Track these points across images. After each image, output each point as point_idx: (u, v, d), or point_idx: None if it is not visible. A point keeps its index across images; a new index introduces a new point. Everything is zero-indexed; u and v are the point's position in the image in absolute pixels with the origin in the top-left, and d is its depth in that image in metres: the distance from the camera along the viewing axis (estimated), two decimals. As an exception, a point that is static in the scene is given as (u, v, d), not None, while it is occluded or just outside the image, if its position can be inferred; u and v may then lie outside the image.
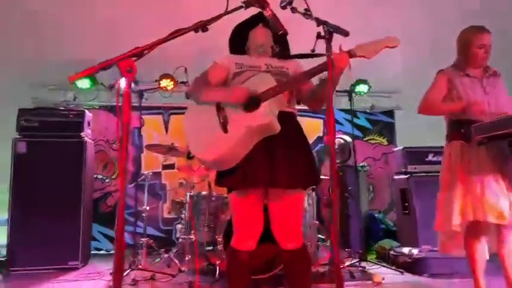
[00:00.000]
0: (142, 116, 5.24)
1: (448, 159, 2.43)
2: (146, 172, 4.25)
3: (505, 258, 2.32)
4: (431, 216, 4.01)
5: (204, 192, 3.92)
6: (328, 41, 1.37)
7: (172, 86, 4.77)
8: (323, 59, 1.78)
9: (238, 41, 2.21)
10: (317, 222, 3.81)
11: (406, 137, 5.92)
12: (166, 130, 5.53)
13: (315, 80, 2.02)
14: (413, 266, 3.60)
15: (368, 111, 6.05)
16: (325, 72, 1.82)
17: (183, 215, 4.05)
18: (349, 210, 4.68)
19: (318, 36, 1.39)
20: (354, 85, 5.14)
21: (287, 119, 1.93)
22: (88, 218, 4.27)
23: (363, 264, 3.79)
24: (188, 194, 3.89)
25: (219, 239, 3.51)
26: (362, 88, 5.40)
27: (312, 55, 1.69)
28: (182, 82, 4.03)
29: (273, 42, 2.12)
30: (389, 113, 6.10)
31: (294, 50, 2.20)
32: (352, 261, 3.77)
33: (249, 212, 1.96)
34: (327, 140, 5.51)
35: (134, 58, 1.16)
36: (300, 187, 1.94)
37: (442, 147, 4.36)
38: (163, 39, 1.18)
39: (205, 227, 3.76)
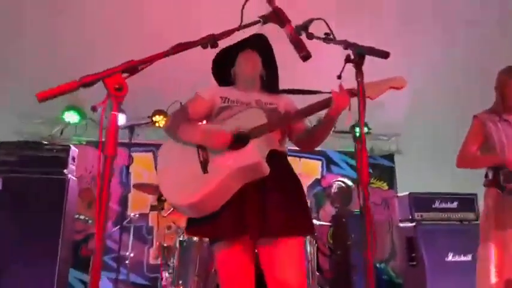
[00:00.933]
0: (132, 153, 4.99)
1: (486, 208, 2.25)
2: (132, 214, 3.92)
3: None
4: (441, 269, 3.75)
5: (195, 238, 3.59)
6: (358, 65, 1.15)
7: (164, 123, 4.55)
8: (319, 97, 1.70)
9: (223, 66, 1.98)
10: (317, 273, 3.48)
11: (406, 182, 5.72)
12: (157, 169, 5.22)
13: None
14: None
15: (367, 154, 5.85)
16: (324, 111, 1.69)
17: (170, 262, 3.68)
18: (353, 259, 4.34)
19: (347, 59, 1.18)
20: (354, 126, 4.98)
21: (278, 160, 1.72)
22: (65, 263, 3.87)
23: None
24: (178, 239, 3.54)
25: (211, 290, 3.15)
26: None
27: (307, 91, 1.59)
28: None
29: (262, 69, 1.92)
30: (389, 157, 5.91)
31: (310, 78, 1.99)
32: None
33: (237, 266, 1.67)
34: (327, 183, 5.26)
35: (125, 74, 0.92)
36: (295, 234, 1.68)
37: (449, 193, 4.21)
38: (164, 53, 0.95)
39: (194, 277, 3.39)
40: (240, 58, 1.91)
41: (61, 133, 5.08)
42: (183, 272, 3.48)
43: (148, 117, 4.77)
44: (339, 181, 4.69)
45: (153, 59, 0.94)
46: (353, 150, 5.36)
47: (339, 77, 1.29)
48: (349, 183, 4.58)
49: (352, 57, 1.16)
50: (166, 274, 3.79)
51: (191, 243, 3.53)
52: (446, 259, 3.78)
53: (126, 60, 0.91)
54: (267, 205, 1.60)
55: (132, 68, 0.92)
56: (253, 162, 1.59)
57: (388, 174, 5.88)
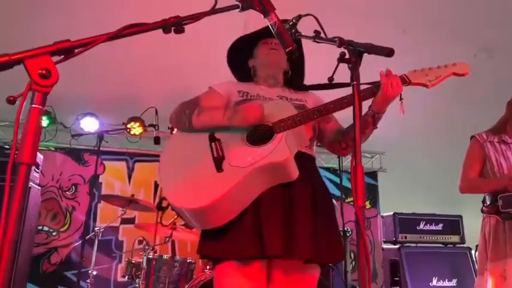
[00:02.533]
0: (104, 162, 4.70)
1: (484, 237, 2.10)
2: (98, 227, 3.63)
3: None
4: (424, 293, 3.58)
5: (165, 256, 3.32)
6: (355, 65, 0.96)
7: (140, 130, 4.29)
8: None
9: (240, 57, 1.70)
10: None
11: (389, 201, 5.59)
12: (130, 179, 4.92)
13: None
14: None
15: (350, 171, 5.70)
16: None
17: (138, 282, 3.39)
18: (333, 283, 4.12)
19: (341, 59, 0.98)
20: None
21: (307, 164, 1.44)
22: (22, 279, 3.55)
23: None
24: (146, 256, 3.26)
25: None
26: (345, 146, 5.13)
27: (336, 85, 1.27)
28: (151, 125, 3.56)
29: (286, 63, 1.65)
30: (373, 175, 5.77)
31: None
32: None
33: None
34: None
35: (56, 57, 0.70)
36: (325, 261, 1.42)
37: (434, 214, 4.08)
38: (108, 35, 0.73)
39: (163, 298, 3.12)
40: (261, 48, 1.64)
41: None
42: (152, 292, 3.20)
43: (123, 123, 4.51)
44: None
45: (94, 40, 0.72)
46: (335, 166, 5.20)
47: (330, 80, 1.10)
48: (333, 202, 4.39)
49: (347, 56, 0.97)
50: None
51: (161, 261, 3.26)
52: (430, 284, 3.61)
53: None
54: (294, 222, 1.33)
55: (67, 49, 0.70)
56: (280, 160, 1.30)
57: (371, 192, 5.73)
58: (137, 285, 3.29)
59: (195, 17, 0.83)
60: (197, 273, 3.37)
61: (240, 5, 0.90)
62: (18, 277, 3.38)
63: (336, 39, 1.02)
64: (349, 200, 5.65)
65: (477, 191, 2.20)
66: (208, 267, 3.19)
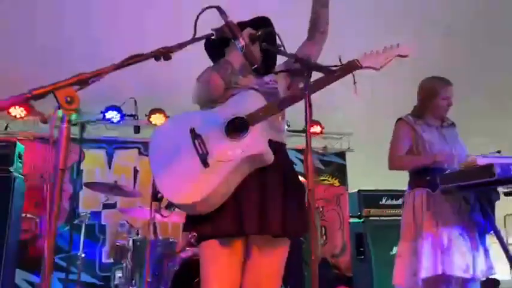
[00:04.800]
0: (83, 150, 4.83)
1: (411, 207, 2.32)
2: (84, 212, 3.82)
3: None
4: (385, 262, 3.97)
5: (149, 237, 3.56)
6: (306, 79, 1.20)
7: (118, 119, 4.46)
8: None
9: (217, 46, 1.77)
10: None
11: (357, 179, 5.97)
12: (110, 166, 5.09)
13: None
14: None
15: (320, 152, 6.04)
16: None
17: (123, 262, 3.63)
18: (302, 254, 4.49)
19: (295, 73, 1.23)
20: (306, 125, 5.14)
21: (279, 151, 1.61)
22: (11, 264, 3.71)
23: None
24: (131, 238, 3.50)
25: (165, 290, 3.16)
26: (315, 129, 5.44)
27: (312, 66, 1.40)
28: (131, 115, 3.74)
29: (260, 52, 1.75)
30: (342, 155, 6.13)
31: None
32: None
33: (231, 268, 1.59)
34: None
35: (76, 87, 0.93)
36: (293, 235, 1.65)
37: (395, 190, 4.45)
38: (116, 66, 0.96)
39: (148, 276, 3.37)
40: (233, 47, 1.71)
41: (5, 128, 4.82)
42: (137, 271, 3.45)
43: (101, 112, 4.65)
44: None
45: (104, 72, 0.95)
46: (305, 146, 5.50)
47: (289, 87, 1.34)
48: (302, 179, 4.70)
49: (300, 71, 1.22)
50: (119, 274, 3.74)
51: (145, 243, 3.50)
52: (390, 253, 4.01)
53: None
54: (268, 203, 1.53)
55: (83, 81, 0.93)
56: (258, 152, 1.49)
57: (340, 172, 6.10)
58: (124, 265, 3.52)
59: (180, 46, 1.06)
60: (178, 252, 3.64)
61: (214, 33, 1.13)
62: (8, 263, 3.54)
63: (294, 55, 1.26)
64: (319, 179, 6.02)
65: (407, 168, 2.39)
66: (187, 248, 3.45)
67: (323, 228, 5.74)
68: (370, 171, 5.98)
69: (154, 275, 3.42)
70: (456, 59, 4.79)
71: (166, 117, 4.76)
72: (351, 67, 1.54)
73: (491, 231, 2.09)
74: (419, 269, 2.15)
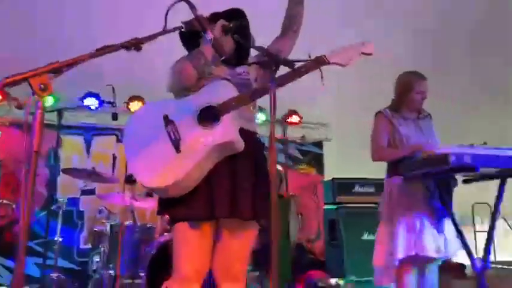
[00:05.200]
0: (61, 136, 4.82)
1: (389, 194, 2.48)
2: (61, 198, 3.84)
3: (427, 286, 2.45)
4: (357, 246, 4.15)
5: (127, 222, 3.62)
6: (272, 72, 1.29)
7: (97, 105, 4.46)
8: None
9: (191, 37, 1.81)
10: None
11: (333, 168, 6.14)
12: (88, 153, 5.10)
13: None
14: (340, 298, 3.62)
15: (298, 141, 6.17)
16: None
17: (101, 247, 3.69)
18: (280, 241, 4.63)
19: (264, 66, 1.31)
20: (285, 115, 5.28)
21: (249, 139, 1.68)
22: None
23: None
24: (109, 223, 3.55)
25: (142, 273, 3.24)
26: (293, 119, 5.56)
27: (283, 61, 1.49)
28: (109, 102, 3.75)
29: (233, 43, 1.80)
30: (319, 144, 6.28)
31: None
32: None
33: (202, 249, 1.67)
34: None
35: (51, 75, 0.98)
36: (262, 218, 1.71)
37: (367, 178, 4.62)
38: (88, 56, 1.02)
39: (126, 260, 3.45)
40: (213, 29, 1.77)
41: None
42: (114, 255, 3.51)
43: (80, 99, 4.63)
44: (271, 166, 4.89)
45: (77, 60, 1.01)
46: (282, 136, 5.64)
47: (251, 84, 1.41)
48: (280, 167, 4.82)
49: (269, 65, 1.29)
50: (97, 258, 3.79)
51: (123, 228, 3.56)
52: (361, 238, 4.19)
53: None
54: (238, 189, 1.60)
55: (57, 69, 0.99)
56: (229, 139, 1.56)
57: (317, 160, 6.26)
58: (102, 249, 3.58)
59: (150, 38, 1.13)
60: (156, 237, 3.72)
61: (184, 26, 1.20)
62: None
63: (264, 49, 1.34)
64: (297, 168, 6.16)
65: (388, 159, 2.55)
66: (165, 233, 3.54)
67: (299, 215, 5.89)
68: (346, 160, 6.17)
69: (132, 259, 3.50)
70: (425, 55, 4.95)
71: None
72: (318, 63, 1.61)
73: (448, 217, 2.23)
74: (395, 251, 2.31)
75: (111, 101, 3.55)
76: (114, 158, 5.08)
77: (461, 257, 2.67)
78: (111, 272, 3.37)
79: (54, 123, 4.14)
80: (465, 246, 2.19)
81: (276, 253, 1.36)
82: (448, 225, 2.33)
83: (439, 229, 2.33)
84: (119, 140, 5.14)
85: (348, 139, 6.04)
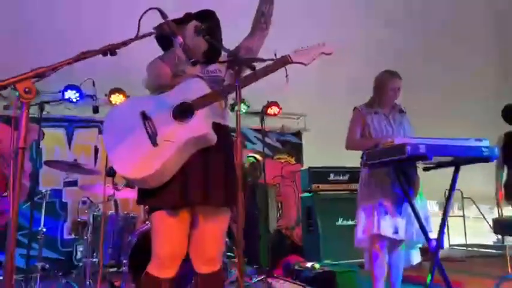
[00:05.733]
0: (42, 129, 4.86)
1: (361, 182, 2.75)
2: (44, 190, 3.92)
3: (392, 265, 2.68)
4: (331, 232, 4.37)
5: (110, 212, 3.74)
6: (237, 73, 1.43)
7: (78, 98, 4.52)
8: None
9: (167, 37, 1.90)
10: (227, 239, 3.85)
11: (312, 157, 6.34)
12: (70, 145, 5.16)
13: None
14: (315, 280, 3.82)
15: (278, 131, 6.33)
16: None
17: (85, 236, 3.80)
18: (258, 227, 4.81)
19: (229, 67, 1.45)
20: (265, 106, 5.43)
21: (221, 132, 1.80)
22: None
23: (270, 279, 3.91)
24: (92, 213, 3.66)
25: (124, 260, 3.37)
26: (273, 110, 5.71)
27: (251, 59, 1.63)
28: (89, 96, 3.83)
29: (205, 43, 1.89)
30: (298, 134, 6.46)
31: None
32: (260, 278, 3.88)
33: (178, 235, 1.80)
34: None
35: (34, 79, 1.11)
36: (232, 206, 1.86)
37: (341, 167, 4.83)
38: (69, 61, 1.15)
39: (109, 249, 3.58)
40: (186, 30, 1.90)
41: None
42: (98, 244, 3.63)
43: (60, 91, 4.68)
44: (250, 156, 5.05)
45: (58, 66, 1.13)
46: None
47: (223, 80, 1.54)
48: (259, 157, 4.97)
49: (234, 66, 1.44)
50: (81, 248, 3.91)
51: (106, 217, 3.67)
52: (336, 223, 4.40)
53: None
54: (210, 179, 1.72)
55: (40, 74, 1.11)
56: (203, 133, 1.67)
57: (296, 150, 6.45)
58: (85, 238, 3.69)
59: (125, 43, 1.25)
60: (139, 226, 3.85)
61: (155, 31, 1.32)
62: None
63: (230, 51, 1.47)
64: (276, 157, 6.33)
65: (358, 149, 2.82)
66: (147, 222, 3.67)
67: (279, 204, 6.10)
68: (324, 150, 6.37)
69: (115, 247, 3.62)
70: (402, 51, 5.14)
71: (126, 96, 4.86)
72: (282, 62, 1.75)
73: (407, 202, 2.43)
74: (364, 230, 2.60)
75: (92, 94, 3.62)
76: (96, 150, 5.16)
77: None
78: (95, 260, 3.49)
79: (36, 116, 4.20)
80: (422, 229, 2.38)
81: (241, 236, 1.51)
82: (421, 210, 2.54)
83: (400, 213, 2.54)
84: (101, 132, 5.22)
85: (326, 130, 6.24)
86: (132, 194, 3.96)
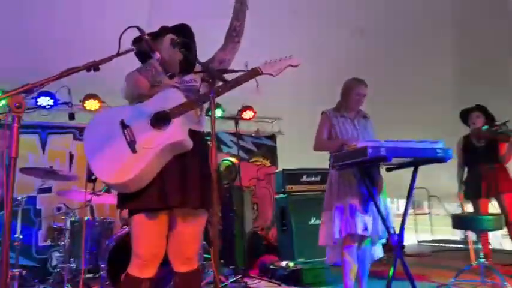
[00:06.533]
0: (16, 135, 4.82)
1: (330, 184, 2.91)
2: (19, 197, 3.92)
3: (359, 261, 2.85)
4: (304, 231, 4.54)
5: (86, 218, 3.78)
6: (211, 85, 1.56)
7: (52, 104, 4.52)
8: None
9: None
10: (204, 242, 3.95)
11: (286, 159, 6.51)
12: (44, 151, 5.14)
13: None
14: (289, 278, 3.98)
15: (253, 135, 6.48)
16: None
17: (62, 242, 3.82)
18: (234, 229, 4.94)
19: (203, 80, 1.58)
20: (240, 110, 5.58)
21: (196, 138, 1.90)
22: None
23: (246, 279, 4.04)
24: (69, 219, 3.70)
25: (102, 265, 3.42)
26: (248, 114, 5.85)
27: (224, 70, 1.76)
28: (65, 103, 3.86)
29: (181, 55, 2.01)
30: (272, 137, 6.63)
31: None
32: (236, 278, 4.00)
33: (158, 236, 1.90)
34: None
35: (24, 94, 1.21)
36: (209, 208, 1.97)
37: (314, 168, 5.01)
38: (56, 77, 1.25)
39: (86, 254, 3.62)
40: (164, 43, 2.00)
41: None
42: (75, 250, 3.67)
43: (33, 98, 4.66)
44: (226, 160, 5.16)
45: (46, 82, 1.24)
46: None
47: (198, 90, 1.67)
48: (234, 160, 5.08)
49: (207, 78, 1.57)
50: (57, 254, 3.92)
51: (82, 223, 3.71)
52: (309, 223, 4.59)
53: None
54: (187, 182, 1.82)
55: (29, 90, 1.21)
56: (179, 140, 1.78)
57: (271, 153, 6.62)
58: (61, 245, 3.71)
59: (106, 60, 1.36)
60: (116, 231, 3.91)
61: (135, 48, 1.44)
62: None
63: (204, 64, 1.60)
64: (252, 160, 6.48)
65: (324, 150, 3.00)
66: (124, 226, 3.73)
67: (255, 205, 6.24)
68: (298, 152, 6.55)
69: (92, 252, 3.67)
70: (369, 58, 5.39)
71: (101, 102, 4.89)
72: (253, 73, 1.90)
73: (372, 201, 2.62)
74: (333, 232, 2.73)
75: (67, 101, 3.66)
76: (71, 156, 5.16)
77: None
78: (72, 265, 3.53)
79: (9, 122, 4.18)
80: (385, 225, 2.58)
81: (217, 236, 1.63)
82: (371, 207, 2.73)
83: (367, 211, 2.73)
84: (76, 138, 5.22)
85: (299, 133, 6.42)
86: (108, 199, 4.01)
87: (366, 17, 5.22)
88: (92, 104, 4.88)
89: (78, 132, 5.13)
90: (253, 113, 5.98)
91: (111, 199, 3.91)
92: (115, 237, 3.56)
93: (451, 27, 5.35)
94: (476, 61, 5.46)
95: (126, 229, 3.62)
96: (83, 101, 4.89)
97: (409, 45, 5.52)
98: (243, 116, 5.84)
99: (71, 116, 3.69)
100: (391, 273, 2.52)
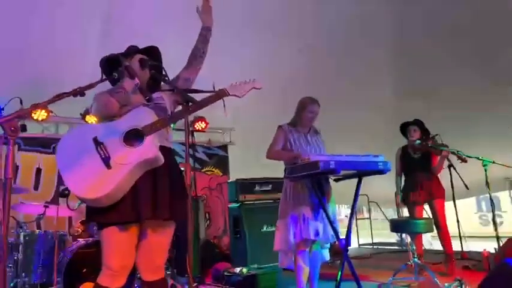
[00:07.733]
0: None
1: (285, 193, 3.11)
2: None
3: (310, 264, 3.07)
4: (257, 238, 4.75)
5: (38, 231, 3.71)
6: (186, 106, 1.71)
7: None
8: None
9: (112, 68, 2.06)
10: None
11: (237, 169, 6.71)
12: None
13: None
14: (243, 284, 4.15)
15: (205, 145, 6.62)
16: None
17: (13, 256, 3.70)
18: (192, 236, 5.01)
19: (177, 102, 1.74)
20: (193, 121, 5.70)
21: (167, 154, 2.01)
22: None
23: (202, 287, 4.16)
24: (22, 233, 3.61)
25: (58, 278, 3.39)
26: (200, 125, 5.98)
27: (192, 91, 1.89)
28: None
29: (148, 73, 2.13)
30: (224, 148, 6.81)
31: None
32: (192, 286, 4.10)
33: (128, 247, 1.98)
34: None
35: (17, 120, 1.31)
36: (178, 219, 2.06)
37: (266, 178, 5.25)
38: (47, 102, 1.36)
39: (39, 268, 3.56)
40: (132, 62, 2.07)
41: None
42: (27, 264, 3.59)
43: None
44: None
45: (39, 108, 1.34)
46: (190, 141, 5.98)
47: (171, 113, 1.81)
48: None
49: (181, 101, 1.73)
50: (7, 269, 3.79)
51: (35, 237, 3.64)
52: (261, 230, 4.82)
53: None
54: (158, 196, 1.90)
55: (22, 115, 1.31)
56: (152, 156, 1.87)
57: (222, 163, 6.78)
58: (15, 258, 3.59)
59: (90, 87, 1.49)
60: (69, 244, 3.86)
61: (116, 75, 1.57)
62: None
63: (174, 86, 1.76)
64: (204, 170, 6.61)
65: (277, 159, 3.21)
66: (79, 239, 3.71)
67: (207, 214, 6.36)
68: (249, 162, 6.76)
69: (45, 265, 3.61)
70: (316, 72, 5.74)
71: (49, 112, 4.77)
72: (220, 95, 2.08)
73: (322, 209, 2.89)
74: (288, 238, 2.94)
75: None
76: (17, 167, 4.97)
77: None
78: (25, 279, 3.45)
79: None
80: (334, 230, 2.86)
81: (192, 248, 1.79)
82: (321, 215, 2.99)
83: (318, 218, 2.99)
84: (20, 149, 5.03)
85: (250, 143, 6.64)
86: (58, 212, 3.92)
87: (318, 33, 5.53)
88: (40, 115, 4.74)
89: (23, 143, 4.96)
90: (205, 124, 6.12)
91: (62, 212, 3.86)
92: (70, 251, 3.54)
93: (392, 44, 5.81)
94: (413, 77, 5.98)
95: (82, 242, 3.61)
96: (30, 111, 4.74)
97: (352, 58, 5.90)
98: (195, 126, 5.94)
99: (23, 128, 3.62)
100: (338, 275, 2.79)
